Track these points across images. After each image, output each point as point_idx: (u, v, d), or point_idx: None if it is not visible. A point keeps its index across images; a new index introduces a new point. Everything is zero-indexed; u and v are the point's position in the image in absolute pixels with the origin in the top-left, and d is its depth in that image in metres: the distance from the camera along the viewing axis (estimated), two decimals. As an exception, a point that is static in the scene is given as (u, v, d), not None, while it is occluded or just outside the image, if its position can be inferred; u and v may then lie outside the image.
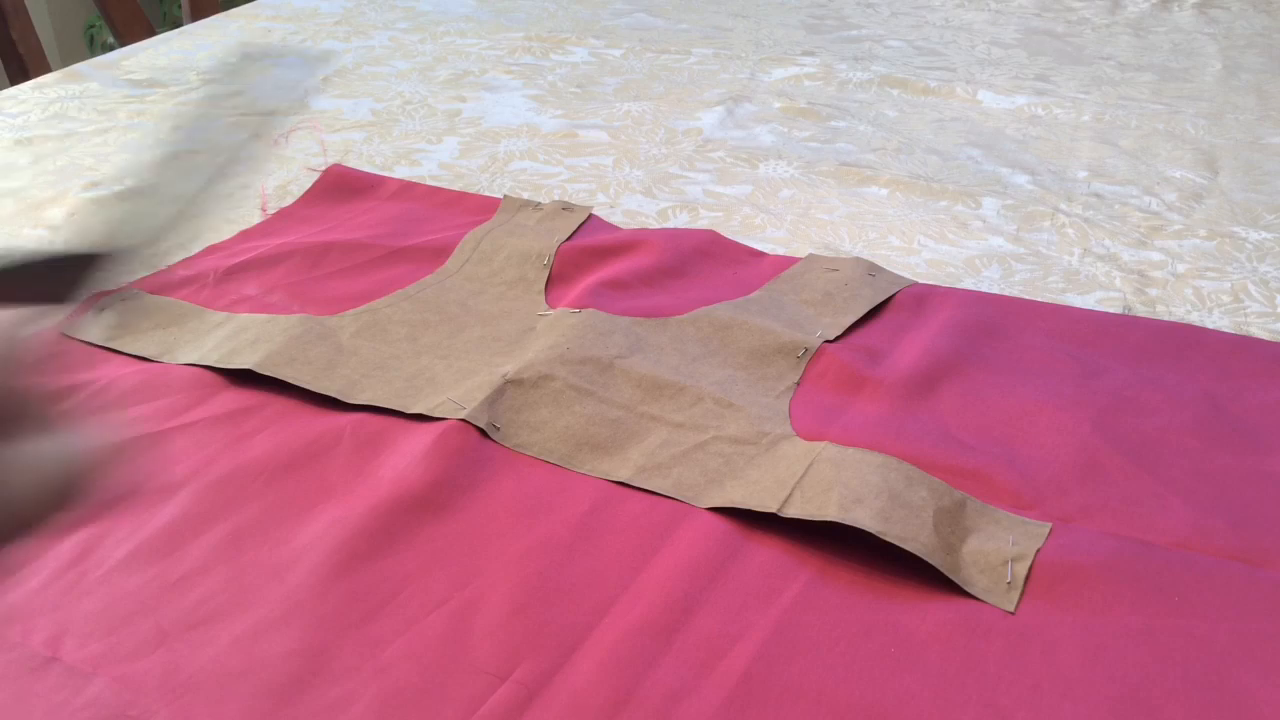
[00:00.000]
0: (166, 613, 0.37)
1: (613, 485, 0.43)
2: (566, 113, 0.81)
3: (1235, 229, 0.64)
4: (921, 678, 0.35)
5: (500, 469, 0.44)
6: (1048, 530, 0.40)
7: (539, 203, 0.65)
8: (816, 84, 0.86)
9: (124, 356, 0.52)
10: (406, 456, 0.44)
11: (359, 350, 0.51)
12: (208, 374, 0.50)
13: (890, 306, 0.55)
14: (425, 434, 0.45)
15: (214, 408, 0.47)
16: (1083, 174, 0.71)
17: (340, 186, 0.68)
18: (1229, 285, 0.59)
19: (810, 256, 0.59)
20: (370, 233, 0.62)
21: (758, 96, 0.84)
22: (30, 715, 0.34)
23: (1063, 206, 0.67)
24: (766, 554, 0.39)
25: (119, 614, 0.37)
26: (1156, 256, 0.62)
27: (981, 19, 1.04)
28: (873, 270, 0.58)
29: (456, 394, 0.47)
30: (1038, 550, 0.39)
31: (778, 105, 0.82)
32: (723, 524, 0.41)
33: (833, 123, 0.79)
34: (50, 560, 0.39)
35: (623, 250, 0.60)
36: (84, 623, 0.37)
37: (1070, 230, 0.64)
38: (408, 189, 0.68)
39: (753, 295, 0.55)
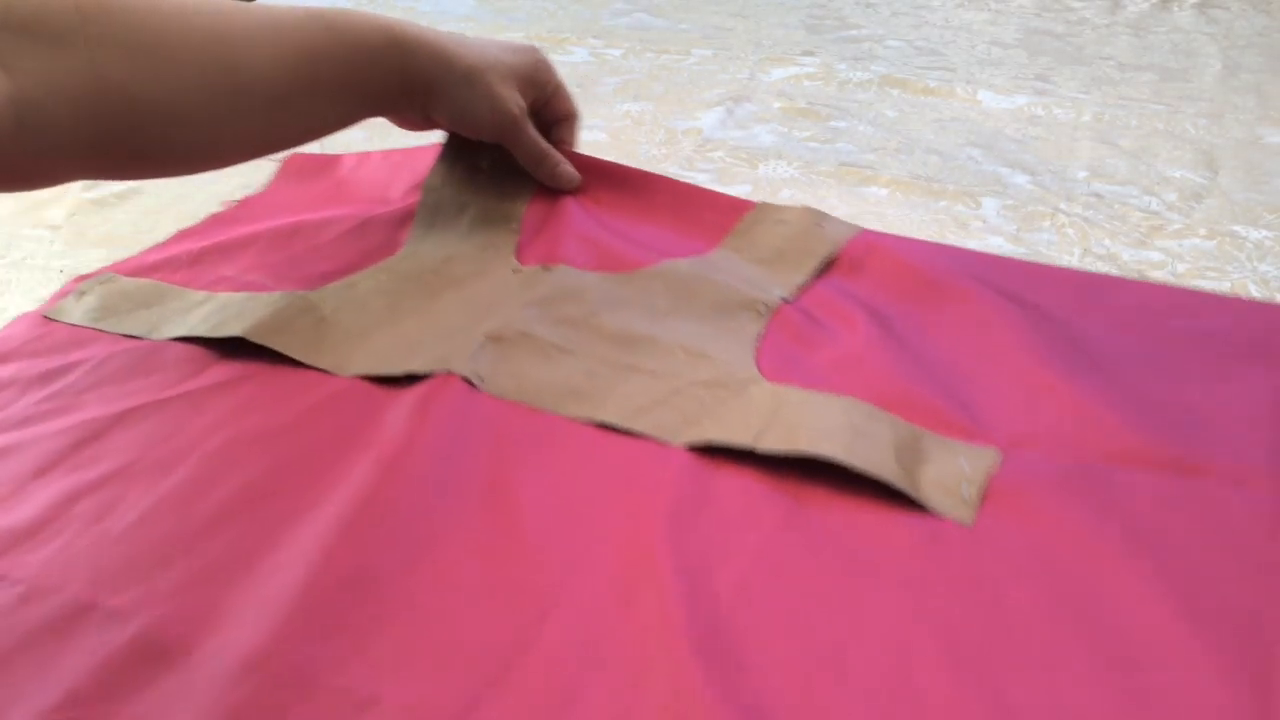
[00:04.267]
0: (193, 560, 0.39)
1: (596, 430, 0.45)
2: (566, 113, 0.81)
3: (1235, 228, 0.64)
4: (894, 585, 0.38)
5: (490, 419, 0.46)
6: (997, 455, 0.44)
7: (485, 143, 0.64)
8: (816, 84, 0.86)
9: (112, 336, 0.53)
10: (400, 413, 0.46)
11: (341, 322, 0.52)
12: (198, 349, 0.51)
13: (843, 257, 0.58)
14: (415, 391, 0.47)
15: (209, 378, 0.49)
16: (1083, 174, 0.71)
17: (302, 171, 0.69)
18: (1229, 285, 0.59)
19: (761, 205, 0.61)
20: (336, 211, 0.63)
21: (758, 96, 0.84)
22: (78, 655, 0.36)
23: (1063, 206, 0.67)
24: (745, 485, 0.42)
25: (148, 562, 0.39)
26: (1156, 256, 0.62)
27: (981, 19, 1.04)
28: (820, 220, 0.60)
29: (441, 351, 0.49)
30: (989, 471, 0.43)
31: (778, 105, 0.82)
32: (703, 460, 0.43)
33: (833, 123, 0.79)
34: (74, 519, 0.42)
35: (585, 200, 0.62)
36: (116, 571, 0.39)
37: (1070, 230, 0.64)
38: (364, 160, 0.69)
39: (709, 255, 0.58)
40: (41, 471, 0.45)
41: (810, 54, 0.93)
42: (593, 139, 0.76)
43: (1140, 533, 0.40)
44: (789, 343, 0.51)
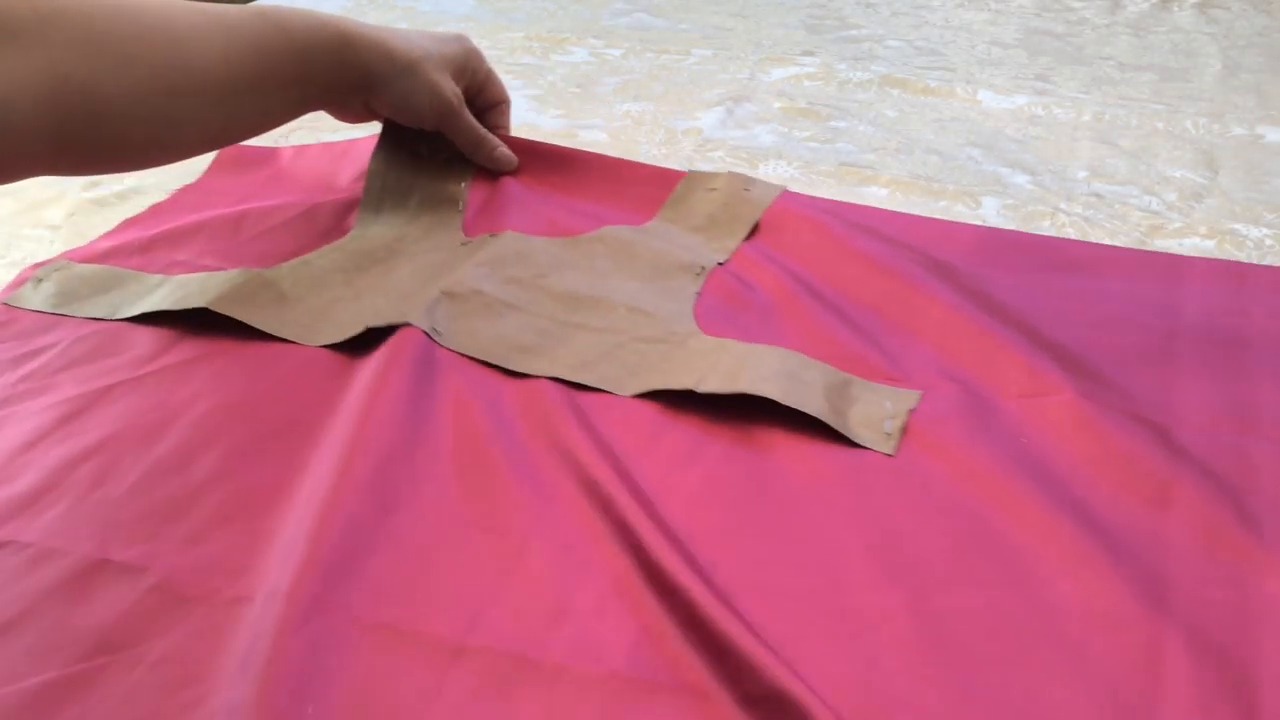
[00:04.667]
0: (196, 515, 0.41)
1: (548, 382, 0.48)
2: (566, 113, 0.81)
3: (1235, 226, 0.64)
4: (825, 507, 0.42)
5: (451, 375, 0.48)
6: (918, 396, 0.48)
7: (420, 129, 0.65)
8: (816, 84, 0.86)
9: (75, 320, 0.54)
10: (368, 376, 0.48)
11: (302, 297, 0.53)
12: (164, 330, 0.52)
13: (764, 220, 0.61)
14: (380, 355, 0.49)
15: (180, 355, 0.51)
16: (1083, 174, 0.71)
17: (236, 163, 0.70)
18: (1229, 284, 0.59)
19: (691, 174, 0.65)
20: (281, 199, 0.64)
21: (758, 96, 0.84)
22: (100, 606, 0.38)
23: (1063, 206, 0.67)
24: (689, 426, 0.46)
25: (153, 519, 0.41)
26: (1157, 256, 0.62)
27: (981, 19, 1.04)
28: (748, 185, 0.64)
29: (399, 310, 0.51)
30: (910, 409, 0.47)
31: (778, 105, 0.82)
32: (650, 406, 0.47)
33: (833, 123, 0.79)
34: (72, 485, 0.43)
35: (524, 179, 0.65)
36: (122, 530, 0.41)
37: (1071, 230, 0.64)
38: (304, 151, 0.70)
39: (647, 226, 0.61)
40: (31, 445, 0.45)
41: (810, 54, 0.93)
42: (593, 139, 0.76)
43: (1045, 457, 0.44)
44: (724, 302, 0.55)
